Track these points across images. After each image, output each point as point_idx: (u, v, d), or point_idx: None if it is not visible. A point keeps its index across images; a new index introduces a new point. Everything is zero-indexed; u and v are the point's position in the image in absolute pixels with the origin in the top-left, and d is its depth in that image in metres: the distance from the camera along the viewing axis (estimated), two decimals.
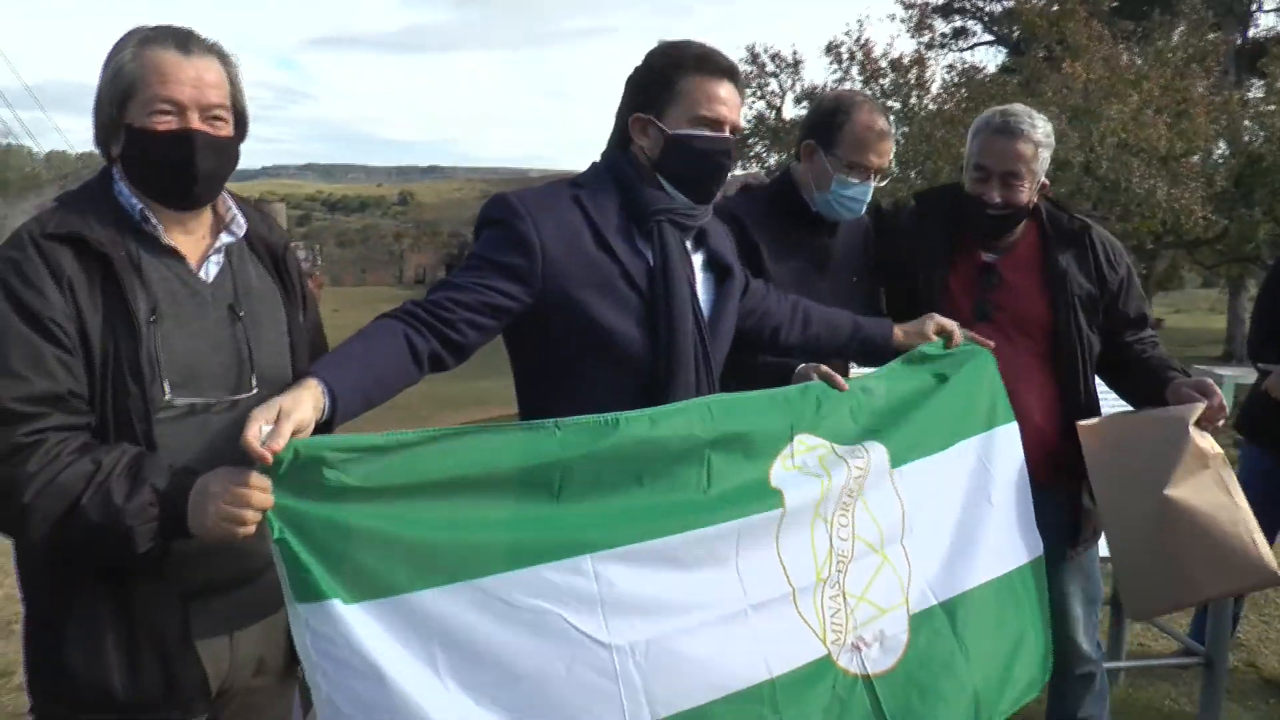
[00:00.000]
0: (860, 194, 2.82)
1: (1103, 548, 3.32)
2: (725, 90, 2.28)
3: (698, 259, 2.41)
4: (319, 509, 1.76)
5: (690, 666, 2.04)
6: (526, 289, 2.18)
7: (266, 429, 1.70)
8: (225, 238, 2.08)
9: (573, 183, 2.33)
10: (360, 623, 1.76)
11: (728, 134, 2.30)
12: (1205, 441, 2.76)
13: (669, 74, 2.28)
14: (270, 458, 1.68)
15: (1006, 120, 2.94)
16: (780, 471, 2.27)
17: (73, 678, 1.92)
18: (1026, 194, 2.94)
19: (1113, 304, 3.05)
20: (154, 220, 1.98)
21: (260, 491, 1.72)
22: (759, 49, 20.28)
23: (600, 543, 1.98)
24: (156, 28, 1.97)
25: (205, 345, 1.99)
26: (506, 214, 2.22)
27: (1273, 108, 16.48)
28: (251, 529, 1.74)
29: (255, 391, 2.02)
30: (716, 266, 2.43)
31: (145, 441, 1.89)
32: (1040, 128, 2.95)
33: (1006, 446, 2.79)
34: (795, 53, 20.48)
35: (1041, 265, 3.03)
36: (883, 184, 2.89)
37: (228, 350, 2.02)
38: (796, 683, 2.19)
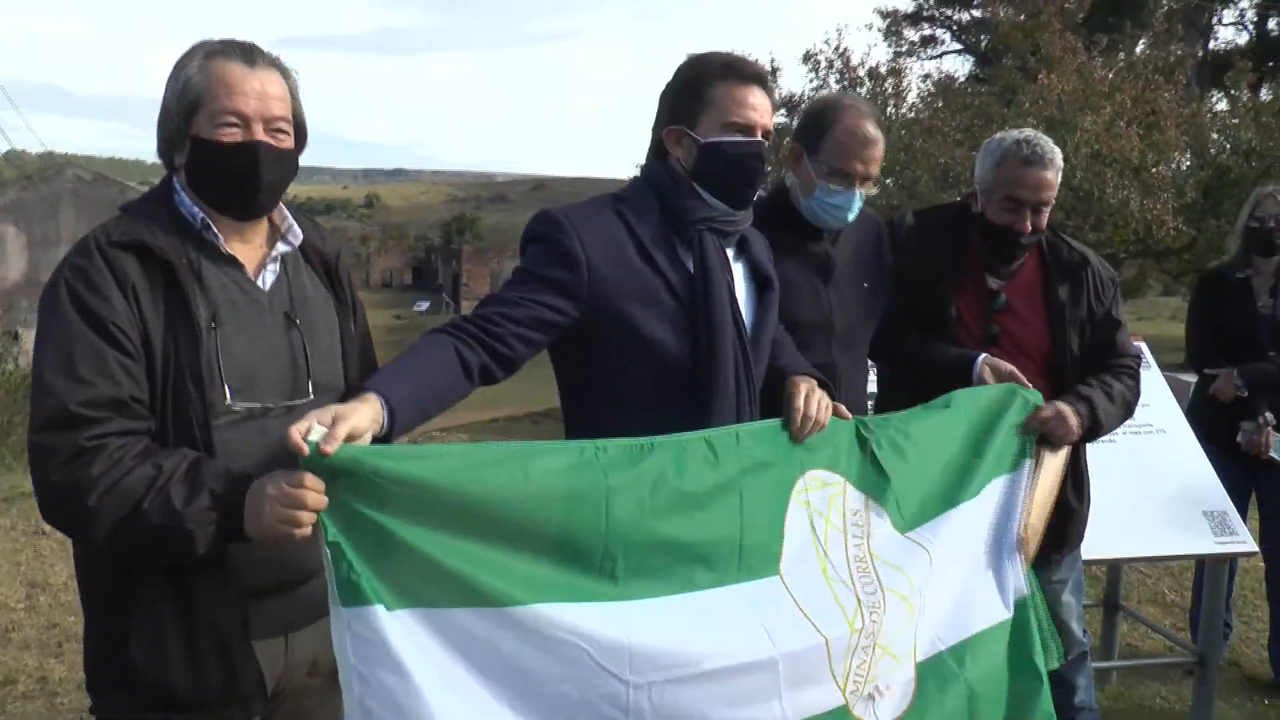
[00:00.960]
0: (845, 202, 2.71)
1: (1086, 551, 3.43)
2: (754, 96, 2.34)
3: (739, 268, 2.45)
4: (370, 516, 1.81)
5: (705, 708, 2.07)
6: (574, 303, 2.23)
7: (320, 430, 1.76)
8: (281, 247, 2.13)
9: (615, 197, 2.39)
10: (398, 630, 1.81)
11: (759, 137, 2.35)
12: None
13: (698, 84, 2.34)
14: (307, 450, 1.74)
15: (1035, 150, 2.97)
16: (794, 509, 2.31)
17: (135, 676, 1.95)
18: (1048, 218, 3.03)
19: (1093, 329, 3.13)
20: (214, 229, 2.02)
21: (314, 492, 1.76)
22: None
23: (635, 593, 2.04)
24: (222, 41, 2.02)
25: (263, 351, 2.03)
26: (552, 229, 2.27)
27: (1238, 120, 16.81)
28: (307, 530, 1.79)
29: (311, 398, 2.06)
30: (758, 277, 2.48)
31: (204, 446, 1.92)
32: (1057, 154, 3.03)
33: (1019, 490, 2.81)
34: (773, 61, 20.65)
35: (1043, 293, 3.12)
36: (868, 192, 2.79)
37: (284, 356, 2.06)
38: None
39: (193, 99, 1.96)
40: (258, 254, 2.11)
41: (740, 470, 2.21)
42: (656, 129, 2.43)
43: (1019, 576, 2.76)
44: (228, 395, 1.95)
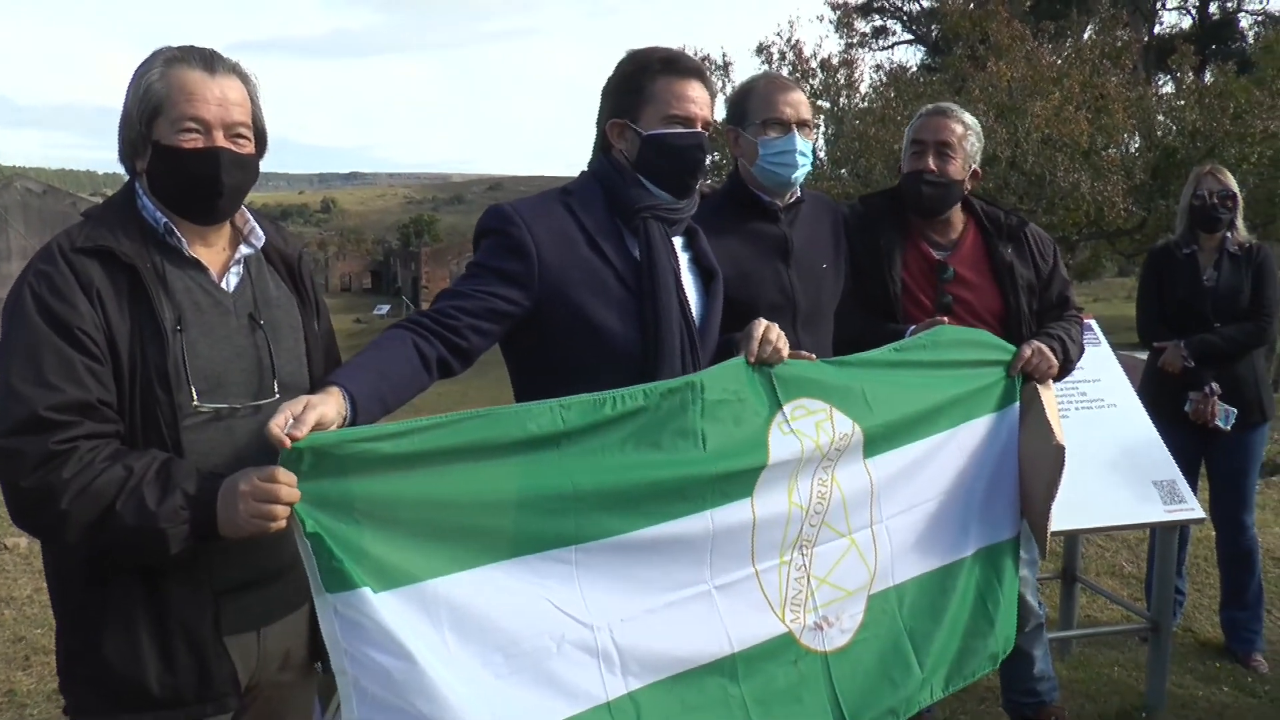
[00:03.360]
0: (787, 146, 2.77)
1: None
2: (693, 89, 2.42)
3: (685, 258, 2.52)
4: (345, 502, 1.86)
5: (659, 642, 2.21)
6: (525, 293, 2.31)
7: (291, 421, 1.81)
8: (244, 249, 2.15)
9: (563, 190, 2.47)
10: (387, 609, 1.86)
11: (699, 129, 2.43)
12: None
13: (639, 79, 2.42)
14: (289, 443, 1.79)
15: (938, 105, 3.31)
16: (777, 436, 2.40)
17: (108, 675, 1.97)
18: (959, 168, 3.18)
19: (1044, 290, 3.29)
20: (178, 233, 2.04)
21: (287, 486, 1.80)
22: (689, 51, 20.44)
23: (587, 534, 2.12)
24: (183, 48, 2.04)
25: (228, 353, 2.06)
26: (502, 223, 2.35)
27: (1182, 103, 17.10)
28: (282, 523, 1.82)
29: (277, 397, 2.08)
30: (703, 267, 2.54)
31: (173, 447, 1.96)
32: (967, 116, 3.25)
33: (1008, 428, 2.94)
34: (725, 55, 20.74)
35: (987, 259, 3.25)
36: (806, 179, 2.89)
37: (249, 357, 2.09)
38: (756, 657, 2.36)
39: (154, 105, 1.99)
40: (221, 257, 2.13)
41: (701, 410, 2.28)
42: (600, 123, 2.50)
43: (1005, 518, 2.89)
44: (194, 397, 1.98)
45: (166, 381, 1.96)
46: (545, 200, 2.43)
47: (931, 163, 3.15)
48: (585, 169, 2.55)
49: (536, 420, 2.08)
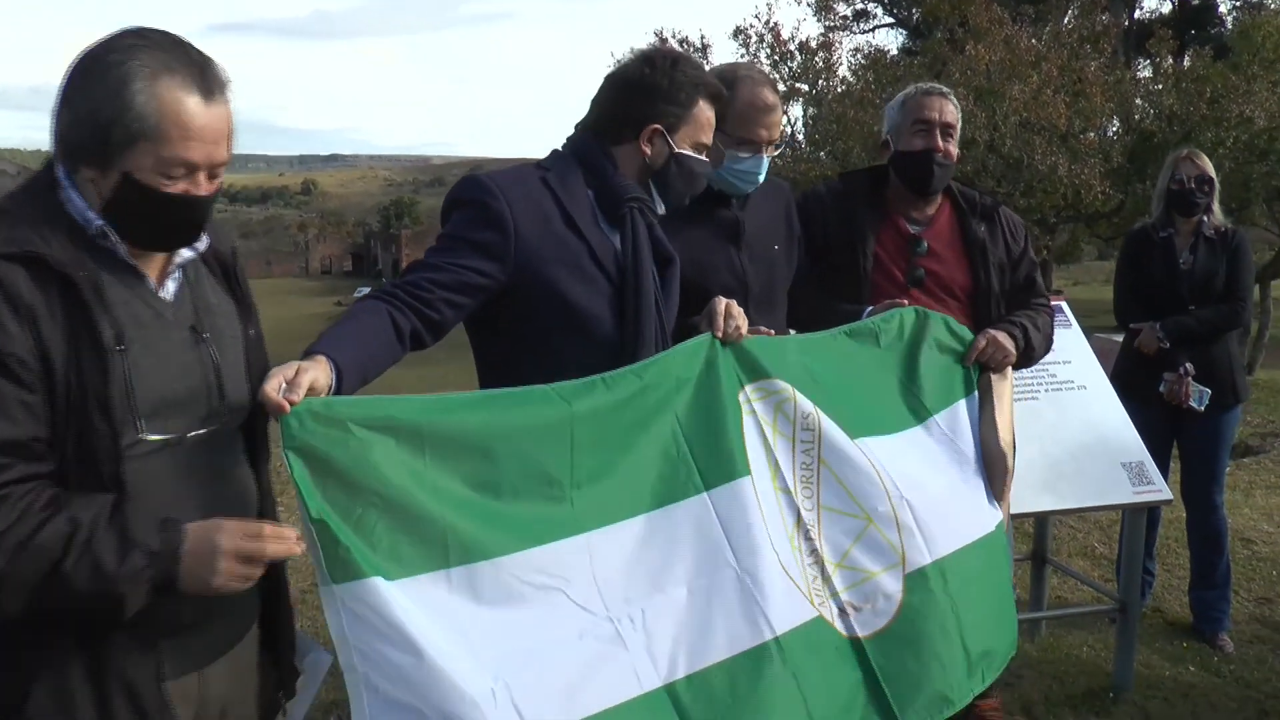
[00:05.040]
0: (753, 166, 2.85)
1: (1014, 504, 3.53)
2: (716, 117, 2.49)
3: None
4: (349, 480, 1.76)
5: (691, 629, 2.12)
6: (500, 266, 2.26)
7: (284, 385, 1.74)
8: (185, 253, 1.86)
9: (540, 165, 2.42)
10: (399, 600, 1.76)
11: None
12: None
13: (692, 96, 2.41)
14: (288, 407, 1.71)
15: (934, 85, 3.31)
16: (746, 419, 2.37)
17: None
18: (955, 150, 3.21)
19: (1013, 270, 3.31)
20: (114, 235, 1.74)
21: (275, 541, 1.69)
22: (667, 33, 20.38)
23: (595, 522, 2.07)
24: (172, 50, 1.72)
25: (174, 373, 1.79)
26: (479, 193, 2.30)
27: (1160, 87, 17.15)
28: (256, 577, 1.70)
29: (226, 419, 1.88)
30: (659, 254, 2.52)
31: (112, 483, 1.71)
32: (954, 98, 3.30)
33: (969, 418, 2.91)
34: (703, 37, 20.65)
35: (961, 236, 3.28)
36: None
37: (195, 376, 1.83)
38: (799, 640, 2.26)
39: (135, 132, 1.67)
40: (158, 262, 1.85)
41: (674, 387, 2.26)
42: (622, 111, 2.42)
43: (989, 504, 2.85)
44: (140, 427, 1.73)
45: (109, 410, 1.68)
46: (522, 173, 2.39)
47: (940, 143, 3.18)
48: (563, 147, 2.49)
49: (537, 397, 2.05)
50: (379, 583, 1.74)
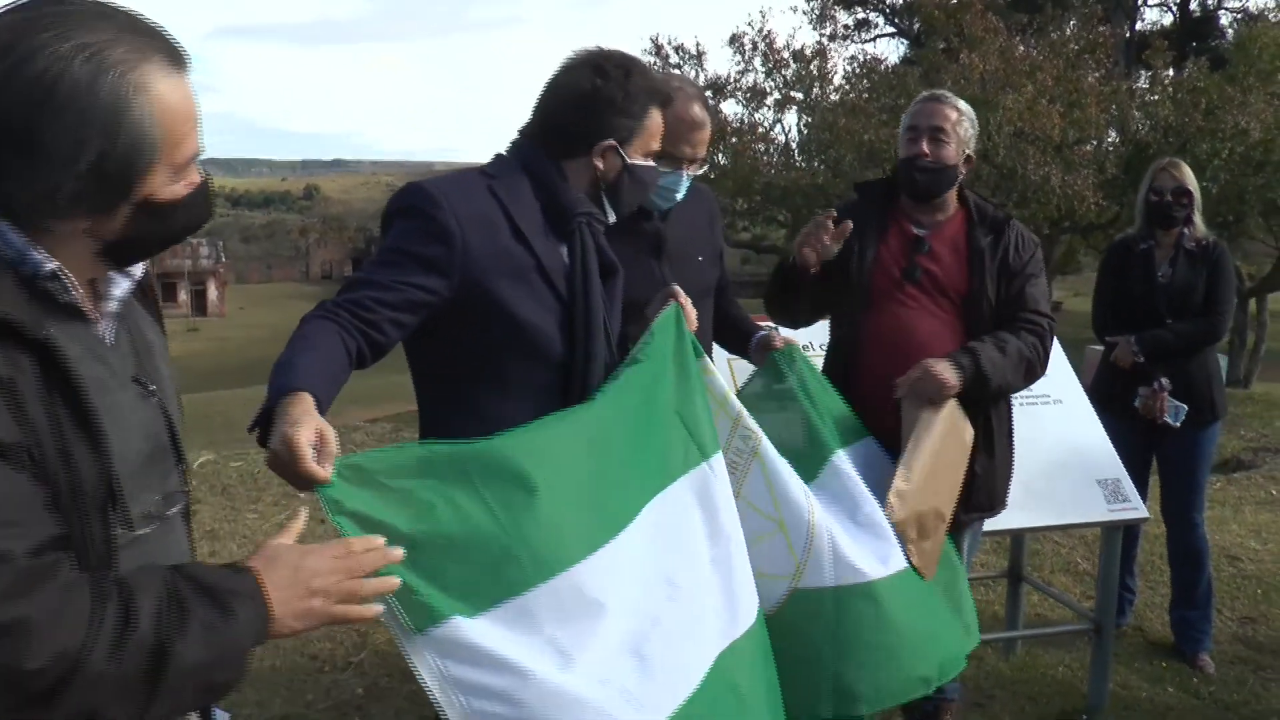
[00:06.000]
0: (673, 183, 2.78)
1: (989, 522, 3.47)
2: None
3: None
4: (399, 530, 1.70)
5: (723, 595, 2.25)
6: (446, 281, 2.16)
7: (309, 452, 1.63)
8: (123, 283, 1.48)
9: (484, 173, 2.32)
10: (487, 633, 1.75)
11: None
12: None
13: (645, 107, 2.32)
14: (330, 477, 1.63)
15: (933, 91, 3.40)
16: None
17: None
18: (953, 153, 3.21)
19: (1009, 286, 3.25)
20: (68, 278, 1.36)
21: (374, 553, 1.55)
22: (663, 40, 20.36)
23: (634, 508, 2.12)
24: (124, 26, 1.32)
25: (135, 441, 1.44)
26: (424, 202, 2.19)
27: (1157, 97, 17.11)
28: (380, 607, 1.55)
29: (186, 492, 1.58)
30: (605, 267, 2.45)
31: None
32: (962, 103, 3.33)
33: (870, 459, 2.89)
34: (699, 44, 20.65)
35: (966, 241, 3.28)
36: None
37: (151, 440, 1.49)
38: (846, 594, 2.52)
39: (147, 158, 1.33)
40: (88, 295, 1.45)
41: (664, 363, 2.33)
42: (568, 123, 2.32)
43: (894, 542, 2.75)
44: (131, 523, 1.41)
45: (103, 504, 1.36)
46: (468, 181, 2.28)
47: (925, 148, 3.18)
48: (508, 155, 2.38)
49: (582, 412, 2.12)
50: (460, 621, 1.72)
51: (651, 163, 2.39)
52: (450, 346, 2.26)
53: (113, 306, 1.45)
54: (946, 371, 2.94)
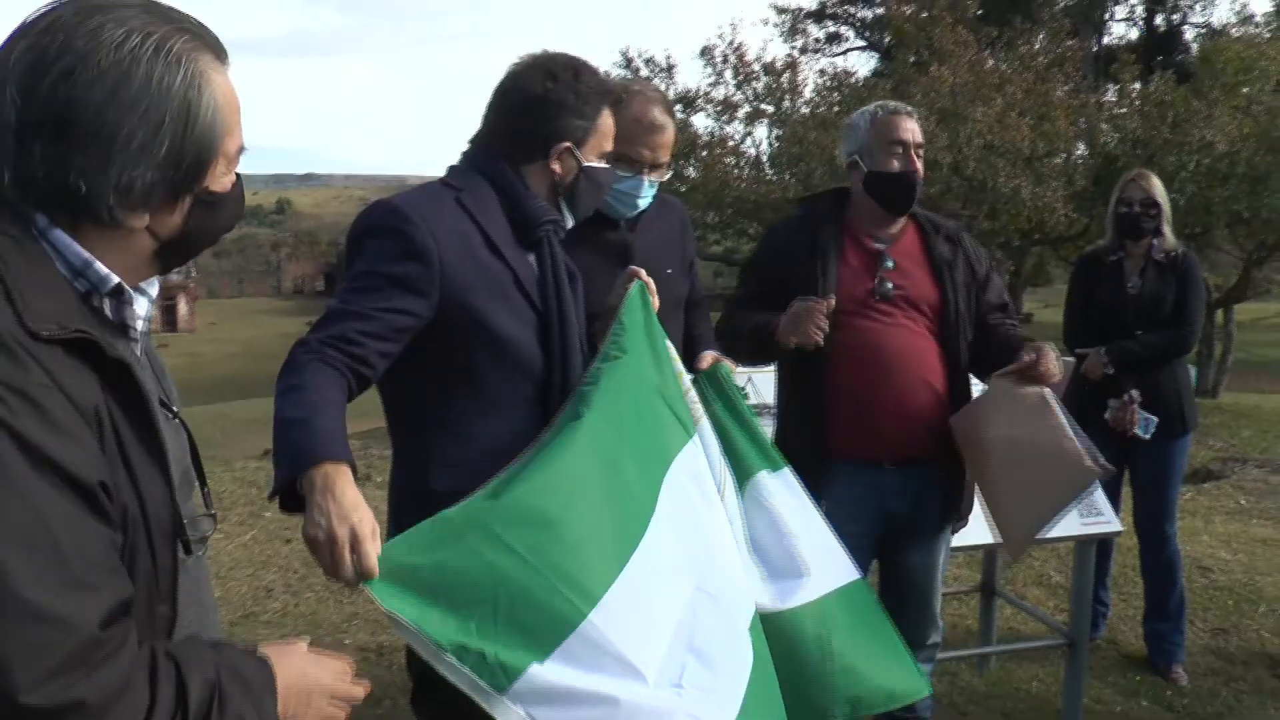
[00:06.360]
0: (633, 188, 2.70)
1: (965, 538, 3.45)
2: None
3: None
4: (449, 606, 1.75)
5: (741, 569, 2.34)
6: (426, 300, 2.11)
7: (350, 556, 1.70)
8: (147, 301, 1.40)
9: (448, 185, 2.27)
10: (564, 672, 1.80)
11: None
12: (1022, 387, 2.99)
13: (598, 107, 2.30)
14: (361, 584, 1.69)
15: (898, 105, 3.29)
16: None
17: None
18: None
19: (980, 292, 3.27)
20: (130, 295, 1.34)
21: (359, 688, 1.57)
22: (633, 53, 20.35)
23: (647, 508, 2.13)
24: (178, 21, 1.30)
25: (174, 463, 1.38)
26: (396, 220, 2.13)
27: (1125, 110, 17.28)
28: None
29: (212, 515, 1.53)
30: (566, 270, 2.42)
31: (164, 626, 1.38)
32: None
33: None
34: (669, 57, 20.68)
35: (925, 255, 3.24)
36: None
37: (178, 461, 1.43)
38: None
39: (217, 145, 1.33)
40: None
41: (640, 346, 2.35)
42: (522, 128, 2.29)
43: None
44: (184, 550, 1.39)
45: (171, 539, 1.32)
46: (437, 196, 2.23)
47: (915, 164, 3.17)
48: (465, 165, 2.34)
49: (574, 428, 2.08)
50: (535, 669, 1.77)
51: (606, 164, 2.37)
52: (427, 366, 2.19)
53: (141, 325, 1.39)
54: (1053, 362, 2.99)
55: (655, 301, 2.43)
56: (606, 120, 2.33)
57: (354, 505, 1.74)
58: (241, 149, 1.39)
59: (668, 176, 2.86)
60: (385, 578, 1.71)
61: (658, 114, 2.73)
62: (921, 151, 3.20)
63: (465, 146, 2.38)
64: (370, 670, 4.36)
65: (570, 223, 2.39)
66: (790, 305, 2.95)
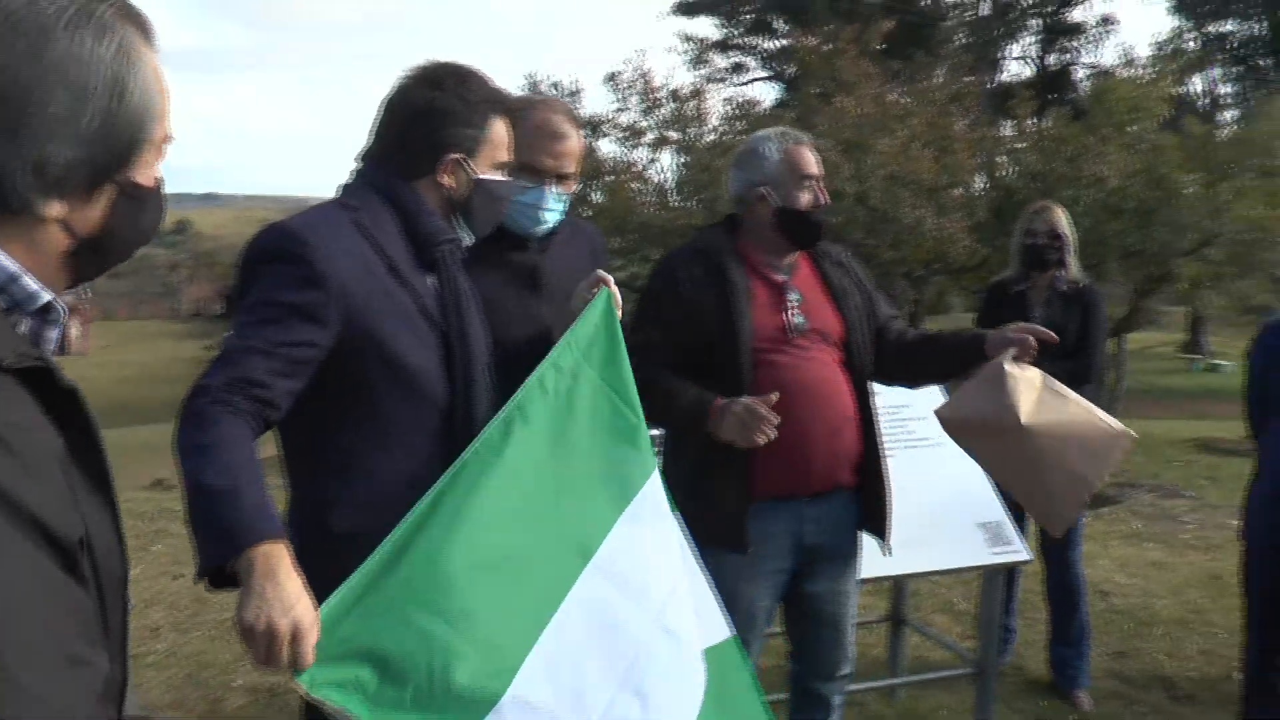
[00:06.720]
0: (536, 199, 2.58)
1: (864, 569, 3.37)
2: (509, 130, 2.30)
3: None
4: (381, 680, 1.73)
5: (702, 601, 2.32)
6: (326, 330, 2.00)
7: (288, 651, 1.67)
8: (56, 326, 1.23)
9: (344, 205, 2.16)
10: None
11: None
12: (1025, 370, 2.98)
13: (486, 115, 2.21)
14: (307, 689, 1.66)
15: (799, 134, 3.19)
16: None
17: None
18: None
19: (873, 310, 3.26)
20: (61, 310, 1.19)
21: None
22: (539, 77, 20.29)
23: (596, 538, 2.11)
24: (119, 3, 1.15)
25: None
26: (291, 244, 2.01)
27: (1023, 145, 17.81)
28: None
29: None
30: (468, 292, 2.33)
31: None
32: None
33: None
34: (575, 82, 20.70)
35: (821, 283, 3.19)
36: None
37: None
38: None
39: (148, 125, 1.16)
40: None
41: (589, 356, 2.32)
42: (408, 141, 2.19)
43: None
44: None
45: (123, 589, 1.15)
46: (333, 217, 2.11)
47: (826, 197, 3.13)
48: (358, 184, 2.23)
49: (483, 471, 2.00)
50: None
51: (504, 176, 2.27)
52: (326, 396, 2.07)
53: (52, 346, 1.21)
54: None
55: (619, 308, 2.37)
56: (499, 129, 2.24)
57: (298, 596, 1.69)
58: (169, 140, 1.21)
59: (575, 189, 2.77)
60: (317, 659, 1.68)
61: (560, 122, 2.64)
62: (821, 182, 3.16)
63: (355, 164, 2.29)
64: (261, 713, 4.18)
65: (469, 240, 2.29)
66: (731, 405, 2.78)
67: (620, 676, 1.99)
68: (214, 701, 4.28)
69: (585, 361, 2.25)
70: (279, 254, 2.03)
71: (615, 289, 2.37)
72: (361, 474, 2.06)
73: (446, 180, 2.20)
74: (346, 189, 2.23)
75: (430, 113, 2.17)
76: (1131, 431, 3.00)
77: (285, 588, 1.70)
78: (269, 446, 2.13)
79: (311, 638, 1.68)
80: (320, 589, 1.79)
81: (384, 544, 1.83)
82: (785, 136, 3.15)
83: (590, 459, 2.19)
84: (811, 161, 3.11)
